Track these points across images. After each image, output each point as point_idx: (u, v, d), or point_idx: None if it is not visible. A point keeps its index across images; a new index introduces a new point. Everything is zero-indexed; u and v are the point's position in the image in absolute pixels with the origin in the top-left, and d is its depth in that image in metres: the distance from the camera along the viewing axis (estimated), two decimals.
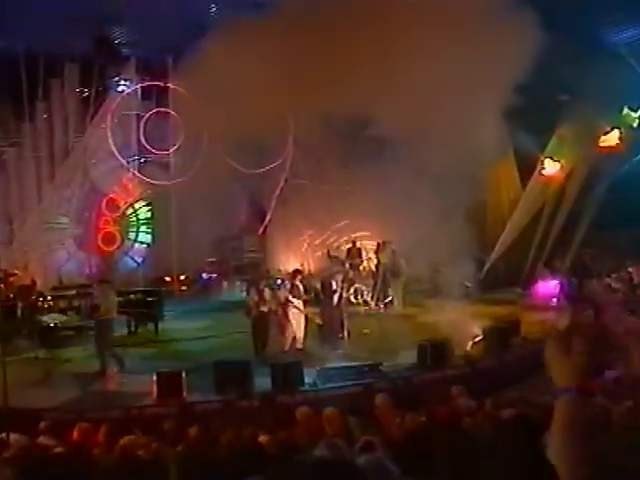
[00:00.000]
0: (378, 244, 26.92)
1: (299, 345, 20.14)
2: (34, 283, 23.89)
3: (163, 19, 22.98)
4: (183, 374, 17.10)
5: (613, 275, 25.42)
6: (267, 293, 20.30)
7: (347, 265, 25.52)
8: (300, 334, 20.26)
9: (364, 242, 28.40)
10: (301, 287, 20.87)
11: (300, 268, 23.98)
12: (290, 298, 20.25)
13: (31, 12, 22.58)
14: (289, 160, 28.20)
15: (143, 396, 17.09)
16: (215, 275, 27.87)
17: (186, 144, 27.75)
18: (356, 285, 24.92)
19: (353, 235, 28.25)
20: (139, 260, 28.18)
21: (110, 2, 21.45)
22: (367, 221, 27.94)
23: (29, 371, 18.34)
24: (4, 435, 11.51)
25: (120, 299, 23.26)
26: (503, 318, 21.92)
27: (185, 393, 16.86)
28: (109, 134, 27.08)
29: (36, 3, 22.72)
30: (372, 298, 24.55)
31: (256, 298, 20.14)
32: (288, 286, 20.85)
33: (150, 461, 7.75)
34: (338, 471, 3.47)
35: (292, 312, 20.23)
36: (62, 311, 22.48)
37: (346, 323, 21.12)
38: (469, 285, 27.07)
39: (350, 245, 26.98)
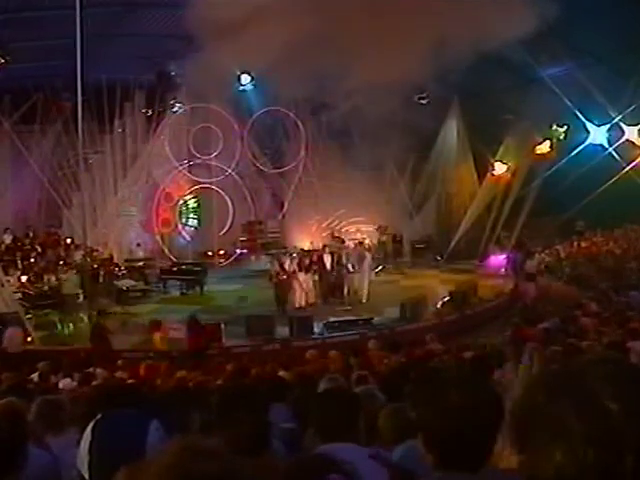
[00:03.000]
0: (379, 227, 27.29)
1: (303, 304, 20.35)
2: (112, 256, 23.99)
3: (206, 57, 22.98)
4: (222, 325, 17.18)
5: (546, 251, 25.43)
6: (287, 264, 20.43)
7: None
8: (303, 297, 20.40)
9: (359, 225, 28.42)
10: (307, 262, 20.99)
11: (309, 248, 24.03)
12: (296, 270, 20.45)
13: (111, 53, 22.64)
14: (302, 163, 28.20)
15: None
16: (245, 250, 27.84)
17: (224, 151, 27.81)
18: None
19: (350, 220, 28.30)
20: (188, 239, 28.16)
21: (167, 46, 21.45)
22: (360, 209, 27.98)
23: (109, 322, 18.41)
24: (91, 369, 11.62)
25: (174, 268, 23.46)
26: (464, 283, 21.91)
27: (224, 339, 16.93)
28: (166, 144, 27.08)
29: (115, 47, 22.76)
30: None
31: (278, 268, 20.24)
32: (296, 260, 21.01)
33: (198, 389, 7.79)
34: (342, 396, 3.54)
35: (298, 280, 20.39)
36: (132, 277, 22.53)
37: (346, 287, 21.14)
38: (439, 258, 27.14)
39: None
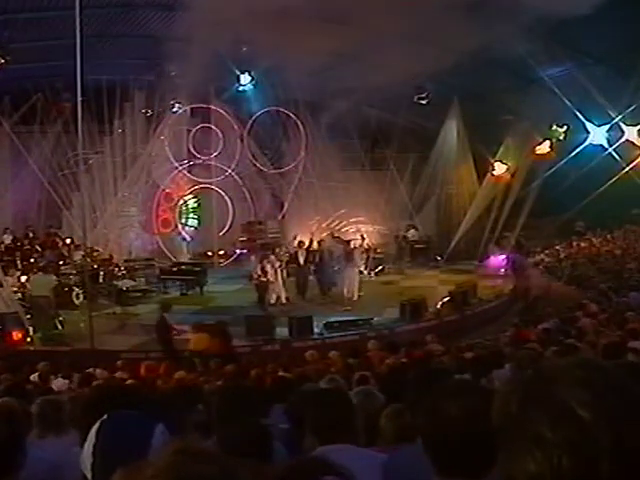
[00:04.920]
0: None
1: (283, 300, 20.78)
2: (111, 257, 23.97)
3: (207, 57, 23.00)
4: None
5: (546, 251, 25.47)
6: (267, 267, 20.53)
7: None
8: (282, 293, 20.93)
9: (359, 225, 28.43)
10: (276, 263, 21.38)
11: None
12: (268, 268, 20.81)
13: (111, 54, 22.65)
14: (302, 163, 28.22)
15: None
16: (245, 250, 27.81)
17: (224, 151, 27.88)
18: None
19: (350, 220, 28.33)
20: (188, 239, 28.16)
21: (167, 46, 21.46)
22: (360, 209, 28.02)
23: (109, 323, 18.42)
24: (92, 370, 11.62)
25: (174, 269, 23.46)
26: (464, 283, 21.93)
27: None
28: (166, 144, 27.13)
29: (115, 47, 22.77)
30: (366, 268, 24.50)
31: (259, 271, 20.32)
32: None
33: (198, 389, 7.78)
34: (334, 396, 3.57)
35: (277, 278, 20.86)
36: (132, 277, 22.56)
37: (339, 286, 21.50)
38: (439, 258, 27.17)
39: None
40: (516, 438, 1.18)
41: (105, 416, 3.29)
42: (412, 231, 28.05)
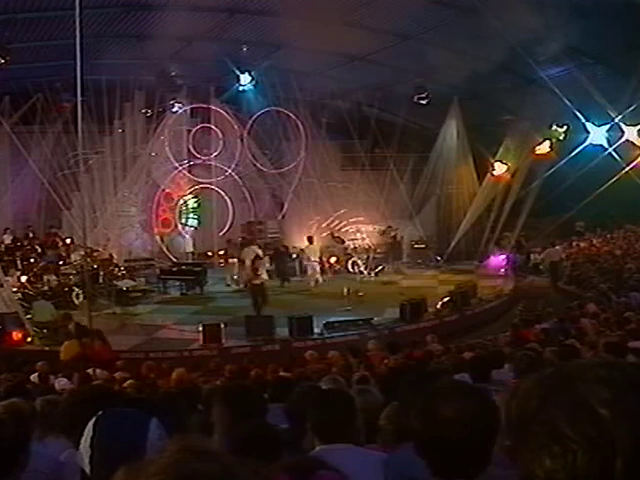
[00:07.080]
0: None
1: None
2: (111, 257, 23.96)
3: (206, 58, 23.02)
4: (222, 325, 17.19)
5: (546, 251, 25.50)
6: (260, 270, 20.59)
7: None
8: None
9: (359, 225, 28.47)
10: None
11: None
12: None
13: (111, 54, 22.66)
14: (302, 163, 28.23)
15: (192, 341, 17.19)
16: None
17: (224, 151, 27.90)
18: (353, 258, 24.92)
19: (350, 220, 28.36)
20: (187, 238, 28.20)
21: (167, 47, 21.47)
22: (359, 209, 28.05)
23: (109, 323, 18.40)
24: (91, 370, 11.61)
25: (174, 269, 23.47)
26: (464, 283, 21.93)
27: (224, 339, 16.94)
28: (166, 144, 27.14)
29: (115, 47, 22.78)
30: (366, 268, 24.53)
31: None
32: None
33: (198, 389, 7.78)
34: (336, 396, 3.59)
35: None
36: (132, 277, 22.56)
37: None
38: (439, 258, 27.18)
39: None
40: (535, 433, 1.19)
41: (100, 412, 3.31)
42: (392, 233, 28.05)
